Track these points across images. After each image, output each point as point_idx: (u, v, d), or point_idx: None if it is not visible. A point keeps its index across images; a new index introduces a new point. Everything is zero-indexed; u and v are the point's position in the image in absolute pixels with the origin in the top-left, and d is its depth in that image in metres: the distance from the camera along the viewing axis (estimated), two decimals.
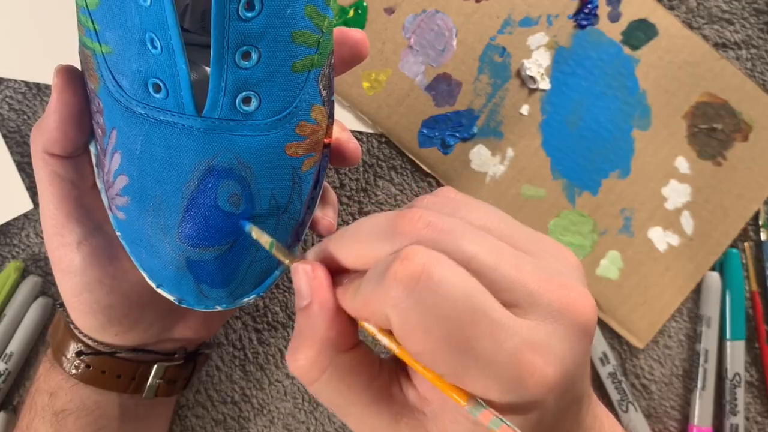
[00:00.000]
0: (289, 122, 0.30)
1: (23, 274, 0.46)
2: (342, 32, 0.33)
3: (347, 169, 0.48)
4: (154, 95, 0.28)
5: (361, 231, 0.26)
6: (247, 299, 0.33)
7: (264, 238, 0.29)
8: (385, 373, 0.27)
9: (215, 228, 0.30)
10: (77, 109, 0.32)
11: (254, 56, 0.28)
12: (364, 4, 0.47)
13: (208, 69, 0.29)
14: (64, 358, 0.37)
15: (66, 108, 0.32)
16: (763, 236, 0.49)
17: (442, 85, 0.48)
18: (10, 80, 0.46)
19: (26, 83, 0.46)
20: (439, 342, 0.23)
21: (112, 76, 0.29)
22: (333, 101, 0.33)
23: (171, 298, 0.32)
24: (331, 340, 0.26)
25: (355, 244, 0.26)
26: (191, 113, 0.28)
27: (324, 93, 0.31)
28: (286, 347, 0.47)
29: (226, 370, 0.47)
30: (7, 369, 0.44)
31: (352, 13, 0.47)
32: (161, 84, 0.28)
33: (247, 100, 0.28)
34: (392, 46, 0.47)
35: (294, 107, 0.30)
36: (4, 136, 0.46)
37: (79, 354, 0.36)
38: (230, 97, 0.28)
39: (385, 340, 0.25)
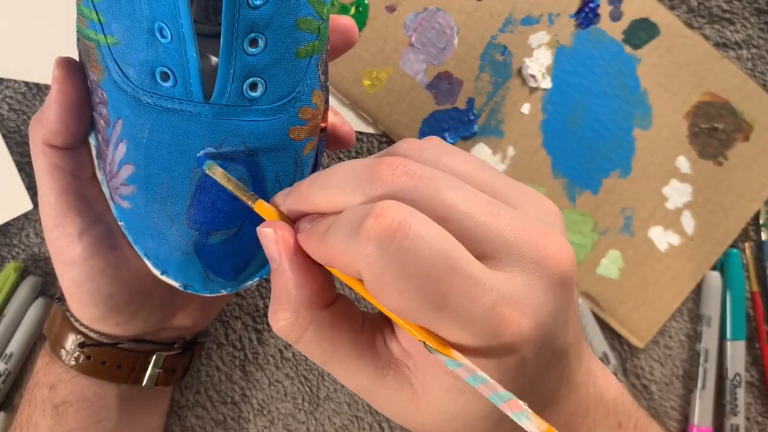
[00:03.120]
0: (292, 107, 0.30)
1: (23, 275, 0.46)
2: (333, 19, 0.34)
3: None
4: (162, 84, 0.28)
5: (336, 174, 0.25)
6: (250, 282, 0.33)
7: (218, 172, 0.29)
8: (368, 327, 0.27)
9: (223, 212, 0.30)
10: (78, 100, 0.32)
11: (261, 43, 0.28)
12: (366, 2, 0.47)
13: (211, 57, 0.30)
14: (63, 350, 0.37)
15: (67, 99, 0.32)
16: (763, 236, 0.49)
17: (443, 84, 0.48)
18: (10, 80, 0.46)
19: (26, 83, 0.46)
20: (413, 300, 0.22)
21: (118, 66, 0.29)
22: (328, 86, 0.33)
23: (176, 284, 0.32)
24: (307, 299, 0.26)
25: (327, 189, 0.25)
26: (199, 100, 0.28)
27: (322, 78, 0.32)
28: (286, 347, 0.47)
29: (226, 371, 0.47)
30: (7, 369, 0.44)
31: (353, 10, 0.47)
32: (169, 73, 0.28)
33: (253, 86, 0.29)
34: (393, 44, 0.47)
35: (297, 92, 0.30)
36: (4, 136, 0.46)
37: (81, 346, 0.36)
38: (238, 84, 0.28)
39: (356, 287, 0.24)
